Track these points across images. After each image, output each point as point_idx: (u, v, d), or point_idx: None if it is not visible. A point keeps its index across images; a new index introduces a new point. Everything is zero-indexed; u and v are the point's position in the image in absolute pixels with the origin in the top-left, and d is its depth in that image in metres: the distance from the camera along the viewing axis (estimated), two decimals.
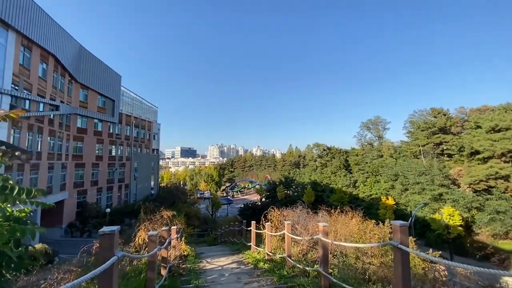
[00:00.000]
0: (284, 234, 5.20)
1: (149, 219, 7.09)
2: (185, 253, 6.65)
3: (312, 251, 5.63)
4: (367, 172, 53.02)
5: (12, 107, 19.17)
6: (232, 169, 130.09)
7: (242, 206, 30.69)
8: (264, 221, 7.43)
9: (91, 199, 33.05)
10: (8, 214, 2.17)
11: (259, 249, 7.34)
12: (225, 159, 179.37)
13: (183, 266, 5.99)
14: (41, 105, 23.39)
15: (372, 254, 5.15)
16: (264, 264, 5.64)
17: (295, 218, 7.49)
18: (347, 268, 4.40)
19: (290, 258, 4.82)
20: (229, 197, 78.98)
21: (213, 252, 8.94)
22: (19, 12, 19.13)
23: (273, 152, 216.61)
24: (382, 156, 57.38)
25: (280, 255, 5.79)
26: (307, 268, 4.36)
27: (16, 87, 19.68)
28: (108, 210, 28.73)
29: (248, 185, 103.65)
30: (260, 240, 8.30)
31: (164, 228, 4.41)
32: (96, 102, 34.60)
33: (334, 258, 5.22)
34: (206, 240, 22.99)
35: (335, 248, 5.53)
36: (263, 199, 66.11)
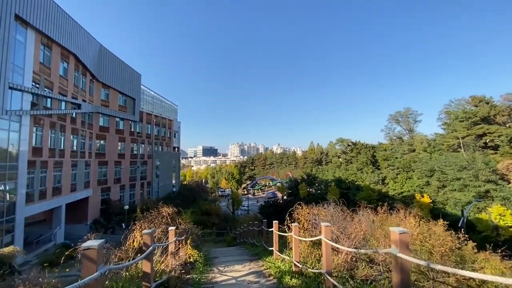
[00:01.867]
0: (319, 239, 3.69)
1: (147, 218, 5.92)
2: (192, 259, 5.40)
3: (358, 262, 4.05)
4: (398, 168, 49.14)
5: (33, 105, 19.38)
6: (253, 167, 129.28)
7: (263, 203, 29.24)
8: (288, 221, 5.94)
9: (114, 196, 33.54)
10: None
11: (283, 256, 5.87)
12: (246, 157, 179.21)
13: (186, 277, 4.72)
14: (63, 103, 23.67)
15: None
16: (291, 280, 4.19)
17: (328, 217, 5.91)
18: None
19: (331, 276, 3.30)
20: (249, 195, 78.08)
21: (229, 257, 7.64)
22: (38, 10, 19.20)
23: (293, 149, 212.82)
24: (414, 150, 52.98)
25: (314, 268, 4.30)
26: None
27: (37, 85, 19.86)
28: (126, 207, 28.72)
29: (269, 183, 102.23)
30: (284, 243, 6.84)
31: (146, 231, 3.09)
32: (117, 100, 35.03)
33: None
34: (225, 239, 21.98)
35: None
36: (285, 197, 64.32)
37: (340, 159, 66.03)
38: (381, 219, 5.52)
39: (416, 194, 36.91)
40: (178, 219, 6.09)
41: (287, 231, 5.73)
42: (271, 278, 4.73)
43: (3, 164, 16.28)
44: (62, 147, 23.45)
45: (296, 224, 4.92)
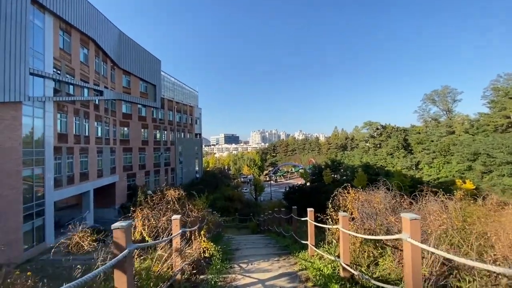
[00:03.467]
0: (398, 239, 2.34)
1: (150, 204, 4.94)
2: (208, 254, 4.35)
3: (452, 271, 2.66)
4: (434, 152, 45.13)
5: (56, 91, 19.45)
6: (274, 154, 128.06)
7: (287, 189, 28.01)
8: (331, 209, 4.61)
9: (140, 182, 34.28)
10: None
11: (321, 251, 4.60)
12: (267, 144, 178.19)
13: (200, 278, 3.67)
14: (85, 90, 23.76)
15: None
16: None
17: (382, 205, 4.48)
18: None
19: None
20: (272, 181, 77.37)
21: (253, 249, 6.56)
22: None
23: (316, 135, 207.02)
24: (453, 132, 48.14)
25: (373, 275, 2.99)
26: None
27: (59, 72, 19.86)
28: (149, 192, 28.96)
29: (291, 169, 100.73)
30: (318, 236, 5.57)
31: (119, 224, 2.00)
32: (138, 87, 35.07)
33: None
34: (248, 226, 21.27)
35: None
36: (308, 184, 62.67)
37: (368, 144, 62.31)
38: (478, 211, 3.93)
39: (457, 180, 33.49)
40: (189, 205, 5.07)
41: (329, 222, 4.43)
42: (311, 285, 3.51)
43: (29, 150, 16.54)
44: (87, 133, 23.78)
45: (344, 214, 3.58)
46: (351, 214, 4.26)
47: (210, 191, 39.13)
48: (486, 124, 41.80)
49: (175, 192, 5.22)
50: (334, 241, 4.95)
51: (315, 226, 5.16)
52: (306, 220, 5.31)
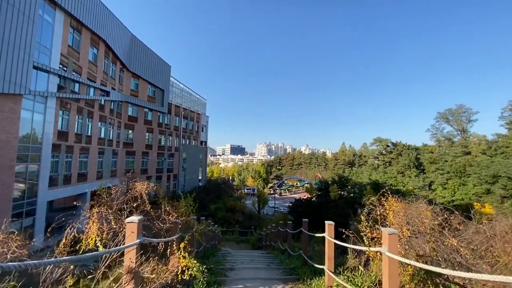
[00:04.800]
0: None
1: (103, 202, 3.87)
2: (186, 276, 3.19)
3: None
4: (448, 172, 42.96)
5: (60, 88, 19.04)
6: (280, 167, 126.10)
7: (294, 201, 26.35)
8: (364, 224, 3.42)
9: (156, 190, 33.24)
10: None
11: (342, 282, 3.38)
12: (273, 157, 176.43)
13: None
14: (92, 89, 23.41)
15: None
16: None
17: (425, 223, 3.28)
18: None
19: None
20: (276, 194, 75.34)
21: (252, 269, 5.29)
22: None
23: (323, 151, 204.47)
24: (469, 153, 46.00)
25: None
26: None
27: (65, 68, 19.53)
28: (161, 200, 27.92)
29: (296, 183, 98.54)
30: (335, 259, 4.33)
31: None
32: (146, 91, 34.85)
33: None
34: (248, 240, 19.75)
35: None
36: (314, 199, 60.55)
37: (377, 161, 60.31)
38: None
39: (475, 204, 31.31)
40: (165, 206, 3.98)
41: (357, 241, 3.26)
42: None
43: (25, 145, 15.86)
44: (89, 133, 23.20)
45: (392, 230, 2.41)
46: (401, 231, 3.06)
47: (212, 201, 37.98)
48: (505, 146, 39.71)
49: (143, 185, 4.20)
50: (361, 267, 3.73)
51: (335, 245, 3.93)
52: (319, 237, 4.12)
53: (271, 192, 79.55)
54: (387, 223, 3.41)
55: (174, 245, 3.38)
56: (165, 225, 3.68)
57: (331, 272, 3.74)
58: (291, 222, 8.32)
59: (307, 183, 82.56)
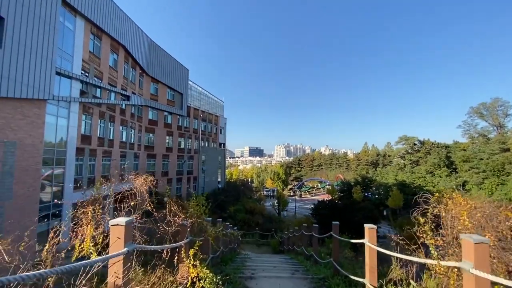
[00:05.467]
0: None
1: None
2: (200, 286, 2.57)
3: None
4: (484, 171, 39.38)
5: (82, 93, 19.59)
6: (299, 168, 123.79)
7: (316, 203, 25.07)
8: (428, 228, 2.58)
9: (161, 189, 33.72)
10: None
11: None
12: (291, 158, 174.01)
13: None
14: (113, 94, 24.02)
15: None
16: None
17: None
18: None
19: None
20: (296, 196, 73.75)
21: (274, 279, 4.56)
22: None
23: (344, 151, 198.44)
24: (508, 149, 41.87)
25: None
26: None
27: (87, 74, 20.10)
28: (165, 198, 27.96)
29: (317, 185, 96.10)
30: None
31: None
32: (166, 95, 35.43)
33: None
34: (269, 243, 18.95)
35: None
36: (337, 201, 58.34)
37: (404, 161, 56.86)
38: None
39: None
40: (171, 205, 3.41)
41: (413, 250, 2.45)
42: None
43: (51, 149, 16.35)
44: (111, 137, 23.76)
45: (480, 238, 1.61)
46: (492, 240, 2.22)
47: (231, 203, 37.65)
48: None
49: (145, 179, 3.67)
50: (412, 282, 2.90)
51: (375, 253, 3.11)
52: (346, 242, 3.31)
53: (291, 194, 78.05)
54: (449, 226, 2.56)
55: (182, 252, 2.79)
56: (170, 228, 3.13)
57: (374, 287, 2.92)
58: (316, 225, 7.47)
59: (328, 185, 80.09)
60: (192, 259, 2.75)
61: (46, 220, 16.10)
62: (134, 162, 28.81)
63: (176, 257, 2.86)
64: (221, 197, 37.72)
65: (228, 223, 8.22)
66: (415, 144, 55.59)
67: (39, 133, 15.39)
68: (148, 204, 3.64)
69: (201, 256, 3.01)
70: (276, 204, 46.97)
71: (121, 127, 25.59)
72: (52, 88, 15.91)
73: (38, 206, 15.33)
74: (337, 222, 4.50)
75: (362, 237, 3.32)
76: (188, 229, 3.38)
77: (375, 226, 3.15)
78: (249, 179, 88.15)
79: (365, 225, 3.27)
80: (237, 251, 10.14)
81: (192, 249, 2.81)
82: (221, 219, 6.02)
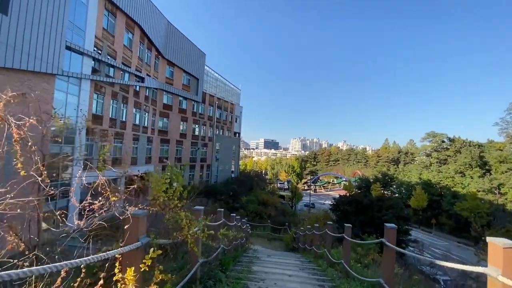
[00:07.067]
0: None
1: None
2: None
3: None
4: None
5: (94, 71, 18.92)
6: (315, 162, 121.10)
7: (338, 198, 22.92)
8: None
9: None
10: None
11: None
12: (307, 152, 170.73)
13: None
14: (126, 75, 23.32)
15: None
16: None
17: None
18: None
19: None
20: (311, 191, 71.93)
21: None
22: None
23: (362, 147, 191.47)
24: None
25: None
26: None
27: (99, 51, 19.38)
28: (175, 184, 27.30)
29: (333, 180, 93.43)
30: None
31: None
32: (181, 79, 34.56)
33: None
34: (281, 238, 17.65)
35: None
36: (361, 196, 55.95)
37: (430, 159, 53.05)
38: None
39: None
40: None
41: None
42: None
43: (58, 126, 15.82)
44: (123, 119, 23.21)
45: None
46: None
47: (244, 193, 36.73)
48: None
49: None
50: None
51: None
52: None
53: (305, 188, 76.29)
54: None
55: (117, 267, 1.56)
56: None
57: None
58: (330, 223, 5.92)
59: (345, 180, 77.42)
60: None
61: (53, 199, 15.80)
62: (147, 146, 28.37)
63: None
64: (234, 186, 36.89)
65: (235, 214, 6.95)
66: (443, 142, 51.48)
67: (47, 108, 14.80)
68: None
69: (160, 277, 1.77)
70: (289, 198, 45.62)
71: (134, 109, 25.01)
72: (61, 62, 15.23)
73: (44, 184, 14.95)
74: (392, 225, 3.00)
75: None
76: (144, 223, 2.14)
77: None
78: (263, 171, 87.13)
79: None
80: (245, 246, 8.94)
81: (144, 261, 1.58)
82: (221, 209, 4.73)
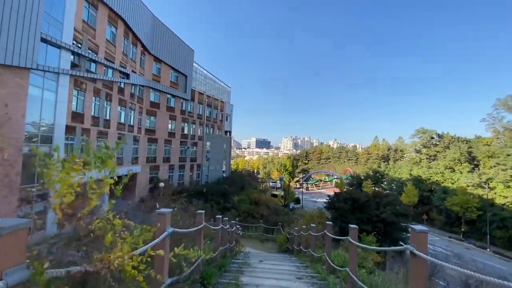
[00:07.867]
0: None
1: None
2: None
3: None
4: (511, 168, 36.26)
5: (73, 65, 17.77)
6: (307, 161, 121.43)
7: (333, 194, 22.42)
8: None
9: (163, 175, 32.30)
10: None
11: None
12: (299, 151, 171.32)
13: None
14: (110, 71, 22.17)
15: None
16: None
17: None
18: None
19: None
20: (303, 189, 71.94)
21: None
22: None
23: (353, 145, 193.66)
24: None
25: None
26: None
27: (79, 45, 18.22)
28: (161, 184, 26.31)
29: (324, 178, 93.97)
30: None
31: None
32: (169, 76, 33.46)
33: None
34: (274, 238, 17.04)
35: None
36: (357, 192, 56.17)
37: (420, 155, 53.80)
38: None
39: None
40: None
41: None
42: None
43: (34, 125, 14.70)
44: (107, 117, 22.08)
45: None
46: None
47: (236, 192, 36.00)
48: None
49: None
50: None
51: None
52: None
53: (297, 186, 76.24)
54: None
55: None
56: None
57: None
58: (355, 226, 5.39)
59: (337, 178, 77.82)
60: None
61: (29, 203, 14.63)
62: (134, 146, 27.23)
63: None
64: (225, 186, 36.09)
65: (221, 216, 6.28)
66: (432, 138, 52.31)
67: (21, 105, 13.69)
68: None
69: None
70: (282, 196, 45.24)
71: (119, 107, 23.88)
72: (36, 55, 14.10)
73: (20, 187, 13.81)
74: (422, 227, 2.48)
75: (393, 238, 1.65)
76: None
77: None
78: (255, 170, 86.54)
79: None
80: (234, 250, 8.29)
81: None
82: (202, 211, 4.03)
